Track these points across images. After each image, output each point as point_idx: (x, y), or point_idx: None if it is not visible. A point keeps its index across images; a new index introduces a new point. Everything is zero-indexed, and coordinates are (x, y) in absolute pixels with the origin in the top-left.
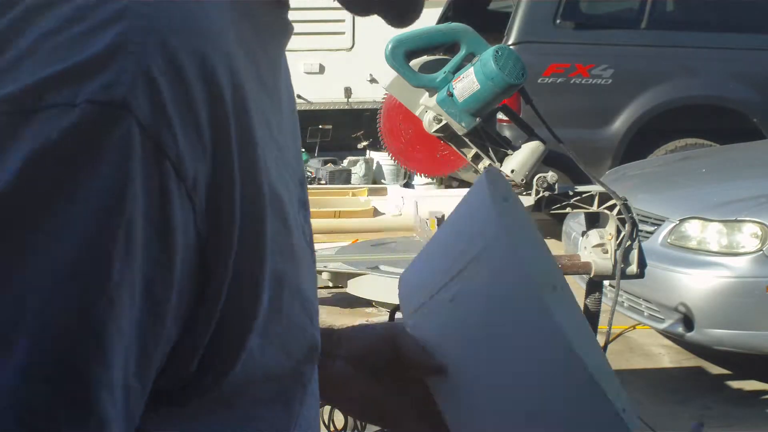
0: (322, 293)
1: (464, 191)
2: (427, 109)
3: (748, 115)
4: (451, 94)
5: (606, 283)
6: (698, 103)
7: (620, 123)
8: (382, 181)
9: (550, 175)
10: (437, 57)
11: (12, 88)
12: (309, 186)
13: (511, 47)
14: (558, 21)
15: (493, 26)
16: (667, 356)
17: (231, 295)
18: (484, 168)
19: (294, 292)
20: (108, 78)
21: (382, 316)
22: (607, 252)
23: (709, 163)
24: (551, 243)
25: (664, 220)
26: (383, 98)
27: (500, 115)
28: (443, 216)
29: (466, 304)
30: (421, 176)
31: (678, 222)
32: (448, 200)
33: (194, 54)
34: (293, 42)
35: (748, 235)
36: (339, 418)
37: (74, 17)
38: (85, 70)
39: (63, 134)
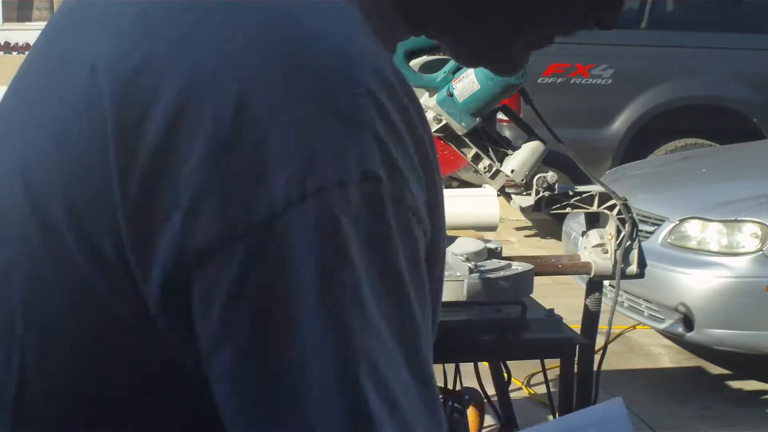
0: None
1: (465, 191)
2: (427, 109)
3: (748, 115)
4: (451, 94)
5: (606, 283)
6: (698, 103)
7: (620, 123)
8: None
9: (550, 175)
10: (437, 57)
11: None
12: None
13: None
14: None
15: None
16: (667, 356)
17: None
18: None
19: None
20: (357, 154)
21: None
22: (607, 252)
23: (709, 163)
24: (551, 243)
25: (664, 220)
26: None
27: (500, 115)
28: None
29: None
30: None
31: (678, 222)
32: (449, 200)
33: (398, 108)
34: None
35: (748, 235)
36: None
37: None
38: (334, 153)
39: (350, 209)
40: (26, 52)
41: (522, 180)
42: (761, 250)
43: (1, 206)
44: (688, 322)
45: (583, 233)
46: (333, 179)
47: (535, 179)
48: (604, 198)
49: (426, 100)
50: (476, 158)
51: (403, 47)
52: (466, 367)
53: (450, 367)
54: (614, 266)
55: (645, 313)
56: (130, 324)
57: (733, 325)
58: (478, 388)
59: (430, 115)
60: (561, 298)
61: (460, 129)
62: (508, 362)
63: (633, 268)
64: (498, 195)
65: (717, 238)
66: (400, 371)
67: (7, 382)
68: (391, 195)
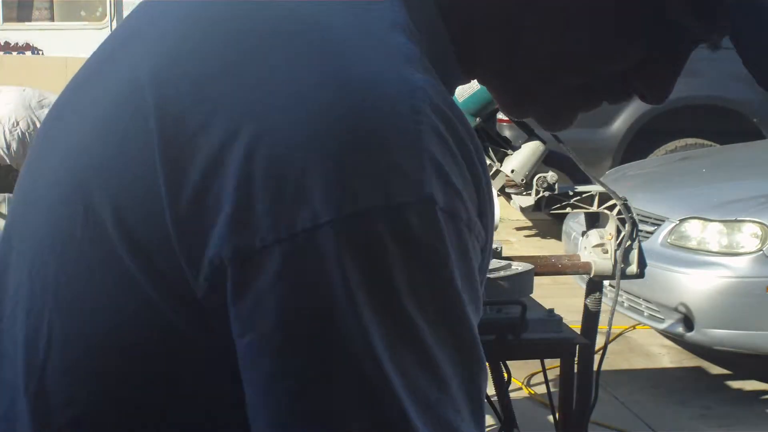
0: None
1: None
2: None
3: (748, 116)
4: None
5: (606, 283)
6: (698, 103)
7: (620, 123)
8: None
9: (550, 175)
10: None
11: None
12: None
13: None
14: None
15: None
16: (667, 356)
17: None
18: None
19: None
20: (417, 177)
21: None
22: (607, 252)
23: (709, 163)
24: (551, 243)
25: (664, 220)
26: None
27: (500, 115)
28: None
29: None
30: None
31: (678, 222)
32: None
33: (450, 129)
34: None
35: (748, 235)
36: None
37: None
38: (403, 172)
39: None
40: (26, 52)
41: (522, 180)
42: (761, 250)
43: (54, 205)
44: (688, 322)
45: (583, 233)
46: (383, 200)
47: (535, 179)
48: (604, 198)
49: None
50: None
51: None
52: None
53: None
54: (614, 266)
55: (645, 313)
56: (174, 324)
57: (733, 325)
58: None
59: None
60: (561, 298)
61: None
62: (508, 362)
63: (633, 268)
64: (498, 195)
65: (717, 238)
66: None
67: (36, 352)
68: (445, 212)
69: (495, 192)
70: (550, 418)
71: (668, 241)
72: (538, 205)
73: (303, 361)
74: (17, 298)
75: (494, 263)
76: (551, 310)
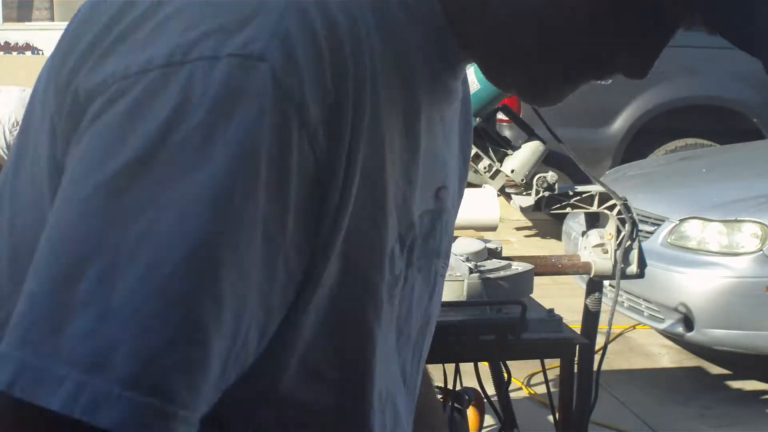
0: None
1: (465, 191)
2: None
3: (748, 115)
4: None
5: (606, 283)
6: (698, 103)
7: (620, 123)
8: None
9: (550, 175)
10: None
11: (162, 48)
12: None
13: None
14: None
15: None
16: (667, 356)
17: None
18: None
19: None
20: (249, 35)
21: None
22: (607, 252)
23: (709, 163)
24: (551, 243)
25: (664, 220)
26: None
27: (500, 115)
28: None
29: None
30: None
31: (678, 222)
32: None
33: (328, 25)
34: None
35: (748, 235)
36: None
37: None
38: (229, 29)
39: (208, 82)
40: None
41: (522, 180)
42: (761, 250)
43: None
44: (688, 322)
45: (583, 233)
46: (212, 52)
47: (535, 179)
48: (604, 198)
49: None
50: (476, 158)
51: None
52: (466, 367)
53: (450, 367)
54: (614, 266)
55: (645, 313)
56: None
57: (733, 325)
58: (478, 388)
59: None
60: (561, 298)
61: None
62: (508, 362)
63: (633, 268)
64: (498, 195)
65: (717, 238)
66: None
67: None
68: (275, 81)
69: (495, 192)
70: (550, 418)
71: (668, 241)
72: (538, 205)
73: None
74: None
75: (494, 263)
76: (551, 310)
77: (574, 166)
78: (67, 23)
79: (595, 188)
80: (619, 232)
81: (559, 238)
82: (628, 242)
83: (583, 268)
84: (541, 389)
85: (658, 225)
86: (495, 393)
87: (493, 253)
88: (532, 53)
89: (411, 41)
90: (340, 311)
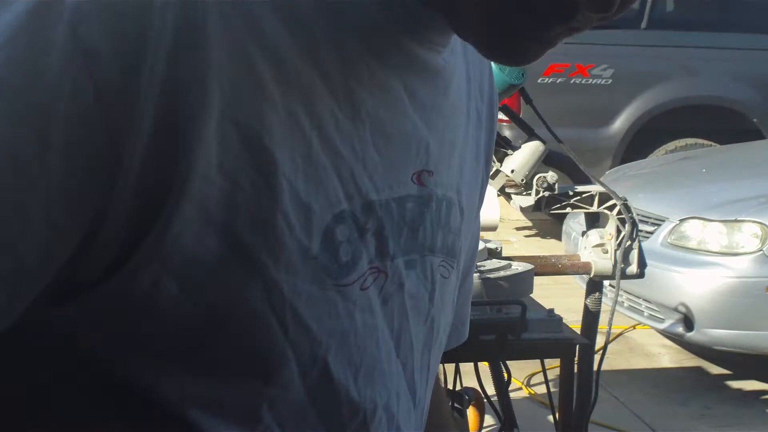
0: None
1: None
2: None
3: (748, 115)
4: None
5: (606, 283)
6: (698, 103)
7: (620, 123)
8: None
9: (550, 175)
10: None
11: None
12: None
13: None
14: None
15: None
16: (667, 356)
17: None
18: None
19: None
20: None
21: None
22: (607, 252)
23: (709, 163)
24: (551, 243)
25: (664, 220)
26: None
27: (500, 115)
28: None
29: None
30: None
31: (678, 222)
32: None
33: None
34: None
35: (748, 235)
36: None
37: None
38: None
39: None
40: None
41: (522, 180)
42: (761, 250)
43: None
44: (688, 322)
45: (583, 233)
46: None
47: (535, 179)
48: (604, 198)
49: None
50: None
51: None
52: (466, 367)
53: (450, 367)
54: (614, 266)
55: (645, 313)
56: None
57: (733, 325)
58: (478, 388)
59: None
60: (561, 298)
61: None
62: (508, 362)
63: (633, 268)
64: (498, 195)
65: (717, 238)
66: None
67: None
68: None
69: (495, 192)
70: (550, 418)
71: (668, 241)
72: (538, 205)
73: None
74: None
75: (494, 263)
76: (551, 310)
77: (574, 166)
78: None
79: (595, 188)
80: (619, 232)
81: (559, 238)
82: (628, 242)
83: (583, 268)
84: (541, 389)
85: (658, 225)
86: (495, 393)
87: (493, 253)
88: None
89: None
90: (226, 295)
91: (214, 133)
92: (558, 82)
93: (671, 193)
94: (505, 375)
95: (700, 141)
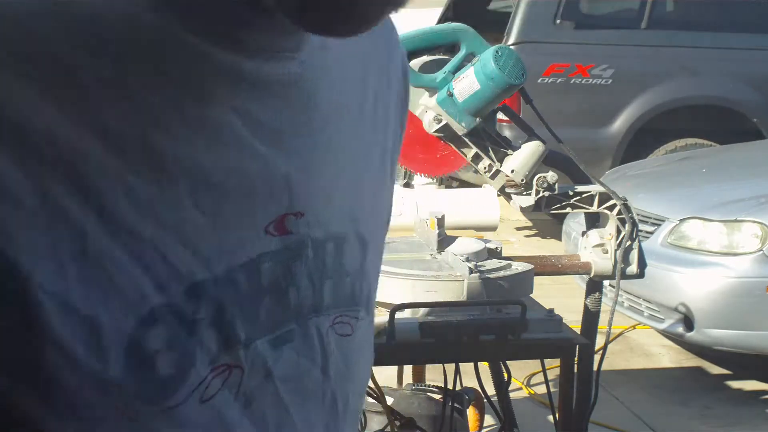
0: None
1: (465, 191)
2: (427, 109)
3: (748, 115)
4: (451, 94)
5: (606, 283)
6: (698, 103)
7: (620, 123)
8: None
9: (550, 175)
10: (437, 57)
11: None
12: None
13: (511, 47)
14: (558, 21)
15: (493, 26)
16: (667, 356)
17: None
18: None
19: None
20: None
21: (382, 316)
22: (607, 252)
23: (709, 163)
24: (551, 243)
25: (664, 220)
26: None
27: (500, 115)
28: (443, 216)
29: None
30: (421, 176)
31: (678, 222)
32: (449, 200)
33: None
34: None
35: (748, 235)
36: None
37: None
38: None
39: None
40: None
41: (522, 180)
42: (761, 250)
43: None
44: (688, 322)
45: (583, 233)
46: None
47: (535, 179)
48: (604, 198)
49: (426, 100)
50: (476, 158)
51: (403, 47)
52: (466, 367)
53: (450, 367)
54: (614, 266)
55: (645, 313)
56: None
57: (733, 325)
58: (478, 388)
59: (430, 115)
60: (561, 298)
61: (460, 129)
62: (508, 362)
63: (633, 268)
64: (498, 195)
65: (717, 238)
66: None
67: None
68: None
69: (495, 192)
70: (550, 418)
71: (668, 241)
72: (538, 205)
73: None
74: None
75: (494, 263)
76: (551, 310)
77: (574, 166)
78: None
79: (595, 188)
80: (619, 232)
81: (559, 238)
82: (628, 242)
83: (583, 268)
84: (541, 389)
85: (658, 225)
86: (495, 393)
87: (493, 253)
88: None
89: None
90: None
91: None
92: (558, 82)
93: (671, 193)
94: (505, 375)
95: (700, 141)
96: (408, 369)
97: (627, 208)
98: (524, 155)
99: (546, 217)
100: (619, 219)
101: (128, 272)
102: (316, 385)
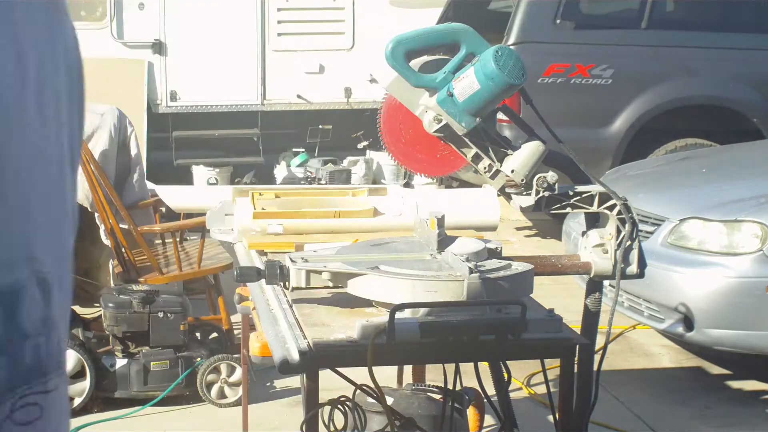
0: (322, 293)
1: (465, 191)
2: (427, 109)
3: (748, 115)
4: (451, 94)
5: (606, 283)
6: (698, 103)
7: (620, 123)
8: (382, 181)
9: (550, 175)
10: (437, 57)
11: None
12: (309, 186)
13: (511, 47)
14: (558, 21)
15: (493, 26)
16: (667, 356)
17: None
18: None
19: None
20: None
21: (382, 317)
22: (607, 252)
23: (709, 163)
24: (551, 243)
25: (664, 220)
26: (383, 98)
27: (500, 115)
28: (443, 216)
29: None
30: (421, 176)
31: (678, 222)
32: (449, 200)
33: None
34: (293, 42)
35: (748, 235)
36: (338, 418)
37: None
38: None
39: None
40: None
41: (522, 180)
42: (761, 250)
43: None
44: (688, 322)
45: (583, 233)
46: None
47: (535, 179)
48: (604, 198)
49: (426, 100)
50: (476, 158)
51: (404, 47)
52: (466, 367)
53: (450, 367)
54: (614, 266)
55: (645, 313)
56: None
57: (733, 325)
58: (478, 388)
59: (430, 115)
60: (561, 298)
61: (460, 129)
62: (508, 362)
63: (633, 268)
64: (498, 195)
65: (717, 238)
66: None
67: None
68: None
69: (495, 192)
70: (550, 418)
71: (668, 241)
72: (538, 205)
73: None
74: None
75: (494, 263)
76: (551, 310)
77: (574, 166)
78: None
79: (595, 188)
80: (619, 232)
81: (559, 238)
82: (628, 242)
83: (583, 268)
84: (541, 389)
85: (658, 225)
86: (495, 393)
87: (493, 253)
88: None
89: None
90: None
91: None
92: (558, 82)
93: (671, 193)
94: (505, 375)
95: (700, 141)
96: (408, 369)
97: (627, 208)
98: (524, 155)
99: (546, 217)
100: (619, 219)
101: None
102: None
